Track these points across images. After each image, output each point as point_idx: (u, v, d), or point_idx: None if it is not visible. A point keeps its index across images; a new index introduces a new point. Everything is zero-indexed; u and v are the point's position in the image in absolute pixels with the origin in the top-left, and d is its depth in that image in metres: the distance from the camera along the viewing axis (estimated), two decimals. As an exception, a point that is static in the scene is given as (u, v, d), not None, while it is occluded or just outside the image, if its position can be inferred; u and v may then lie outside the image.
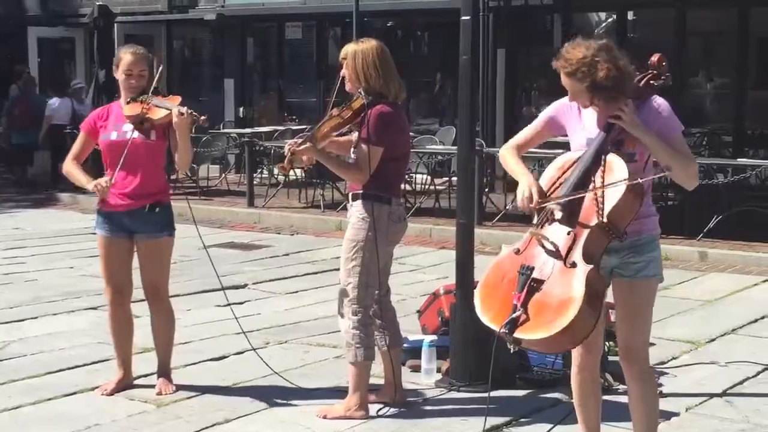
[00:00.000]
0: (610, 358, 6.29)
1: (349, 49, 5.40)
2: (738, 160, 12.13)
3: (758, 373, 6.30)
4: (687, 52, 14.89)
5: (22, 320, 7.74)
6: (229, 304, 6.49)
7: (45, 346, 6.98)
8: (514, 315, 3.94)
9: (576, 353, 4.40)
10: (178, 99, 5.70)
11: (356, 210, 5.38)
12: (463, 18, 6.06)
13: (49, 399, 5.82)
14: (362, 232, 5.33)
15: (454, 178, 11.17)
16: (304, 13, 17.45)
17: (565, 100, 4.34)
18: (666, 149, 4.07)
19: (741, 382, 6.11)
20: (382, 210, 5.34)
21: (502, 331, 3.94)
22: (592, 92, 4.09)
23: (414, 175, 13.44)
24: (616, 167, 4.03)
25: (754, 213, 11.07)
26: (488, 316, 4.05)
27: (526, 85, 16.14)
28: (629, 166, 4.04)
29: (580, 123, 4.29)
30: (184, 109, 5.51)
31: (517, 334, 3.93)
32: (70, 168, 5.83)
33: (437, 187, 13.26)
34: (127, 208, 5.68)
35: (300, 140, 5.35)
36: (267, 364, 6.11)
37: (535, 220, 4.19)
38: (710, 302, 8.43)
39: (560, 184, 4.15)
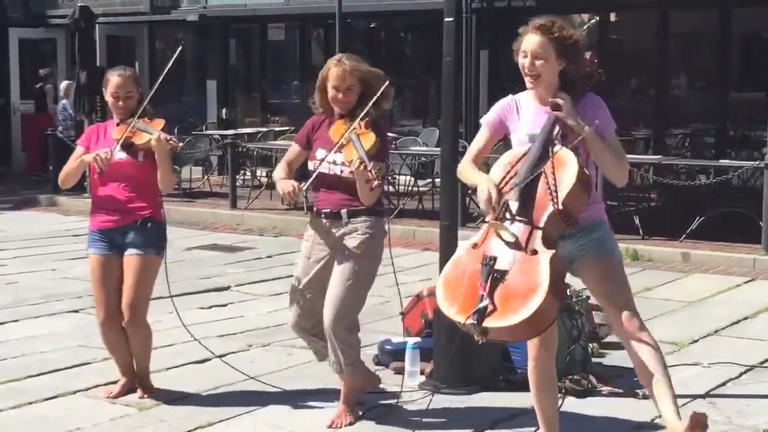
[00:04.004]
0: (594, 359, 6.31)
1: (361, 68, 5.28)
2: (720, 161, 12.17)
3: (741, 374, 6.32)
4: (669, 53, 14.93)
5: (3, 323, 7.69)
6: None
7: (26, 349, 6.93)
8: (481, 305, 4.02)
9: (533, 348, 4.51)
10: (162, 123, 5.73)
11: (363, 227, 5.24)
12: (446, 20, 6.06)
13: (30, 402, 5.78)
14: (377, 253, 5.28)
15: (437, 180, 11.16)
16: (287, 14, 17.41)
17: (502, 101, 4.58)
18: (602, 145, 4.25)
19: (724, 384, 6.12)
20: (384, 224, 5.32)
21: (469, 321, 4.02)
22: (559, 48, 4.28)
23: (397, 176, 13.43)
24: (566, 160, 4.19)
25: (737, 214, 11.11)
26: (453, 311, 4.14)
27: (509, 86, 16.09)
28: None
29: (519, 120, 4.46)
30: (163, 136, 5.55)
31: (487, 324, 4.01)
32: (65, 170, 5.83)
33: (420, 189, 13.25)
34: (118, 224, 5.69)
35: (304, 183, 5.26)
36: (237, 369, 6.08)
37: (490, 216, 4.27)
38: (693, 303, 8.45)
39: (510, 179, 4.27)
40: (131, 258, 5.69)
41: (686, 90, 15.73)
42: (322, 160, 5.26)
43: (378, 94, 5.21)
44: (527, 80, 4.40)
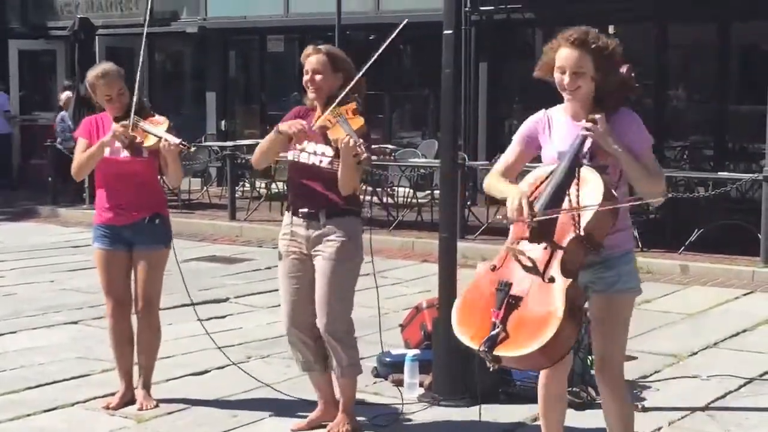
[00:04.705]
0: (592, 372, 6.30)
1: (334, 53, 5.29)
2: (719, 173, 12.17)
3: (740, 387, 6.31)
4: (668, 65, 14.96)
5: (1, 335, 7.68)
6: (200, 320, 6.40)
7: (24, 360, 6.92)
8: (493, 333, 3.89)
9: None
10: (166, 123, 5.71)
11: (341, 228, 5.19)
12: (446, 32, 6.07)
13: (29, 414, 5.77)
14: (359, 255, 5.25)
15: (437, 192, 11.17)
16: (286, 26, 17.45)
17: (534, 117, 4.39)
18: (635, 163, 4.10)
19: (723, 396, 6.11)
20: (361, 224, 5.32)
21: (481, 349, 3.89)
22: (596, 60, 4.10)
23: (396, 188, 13.43)
24: (591, 180, 4.04)
25: (735, 226, 11.11)
26: (467, 336, 4.00)
27: (508, 98, 16.16)
28: (602, 178, 4.05)
29: (549, 137, 4.31)
30: (173, 141, 5.53)
31: (497, 352, 3.87)
32: (78, 160, 5.79)
33: (419, 201, 13.26)
34: (127, 221, 5.71)
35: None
36: (252, 376, 6.08)
37: (510, 236, 4.16)
38: (692, 315, 8.45)
39: (534, 199, 4.10)
40: (141, 254, 5.73)
41: (685, 102, 15.75)
42: (318, 153, 5.20)
43: (356, 78, 5.19)
44: (566, 95, 4.22)
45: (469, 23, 14.56)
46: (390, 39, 5.10)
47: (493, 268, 4.09)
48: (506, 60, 15.78)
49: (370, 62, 5.17)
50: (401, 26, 5.15)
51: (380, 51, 5.13)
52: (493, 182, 4.34)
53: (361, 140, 4.95)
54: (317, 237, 5.22)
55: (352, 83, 5.18)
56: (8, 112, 17.92)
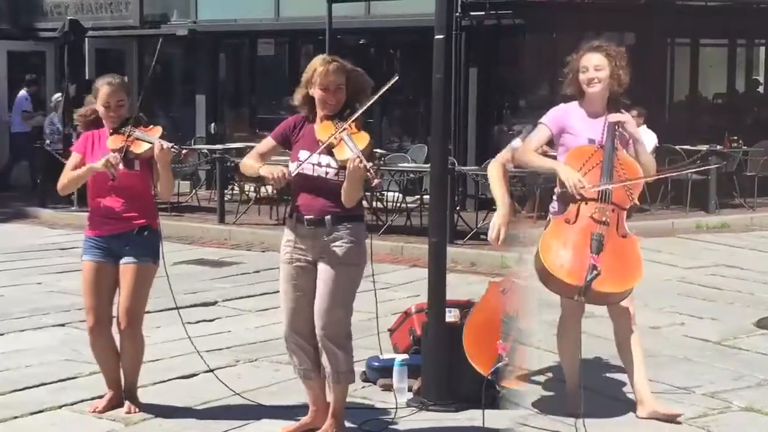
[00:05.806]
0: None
1: (347, 67, 5.25)
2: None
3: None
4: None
5: (-11, 337, 7.66)
6: (183, 324, 6.35)
7: (11, 363, 6.90)
8: (594, 273, 5.08)
9: (570, 311, 5.55)
10: (159, 131, 5.71)
11: (348, 234, 5.16)
12: (437, 37, 6.07)
13: (16, 417, 5.75)
14: (363, 261, 5.23)
15: (426, 196, 11.17)
16: (277, 29, 17.45)
17: (559, 107, 5.64)
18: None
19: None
20: (365, 229, 5.31)
21: (584, 284, 5.09)
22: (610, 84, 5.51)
23: (386, 192, 13.43)
24: (633, 162, 5.50)
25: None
26: (563, 272, 5.17)
27: (498, 103, 16.18)
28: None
29: (572, 125, 5.56)
30: (166, 144, 5.52)
31: (597, 288, 5.11)
32: (66, 177, 5.78)
33: (409, 205, 13.26)
34: (115, 231, 5.67)
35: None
36: (227, 386, 6.07)
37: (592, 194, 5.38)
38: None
39: (590, 171, 5.38)
40: (128, 266, 5.68)
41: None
42: (319, 163, 5.16)
43: (380, 94, 5.20)
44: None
45: (459, 28, 14.57)
46: (383, 90, 5.25)
47: (567, 221, 5.31)
48: (496, 65, 15.80)
49: (363, 109, 5.19)
50: (393, 81, 5.28)
51: (374, 100, 5.27)
52: (532, 157, 5.53)
53: (371, 164, 4.95)
54: (324, 243, 5.19)
55: (366, 107, 5.18)
56: (27, 112, 17.90)
